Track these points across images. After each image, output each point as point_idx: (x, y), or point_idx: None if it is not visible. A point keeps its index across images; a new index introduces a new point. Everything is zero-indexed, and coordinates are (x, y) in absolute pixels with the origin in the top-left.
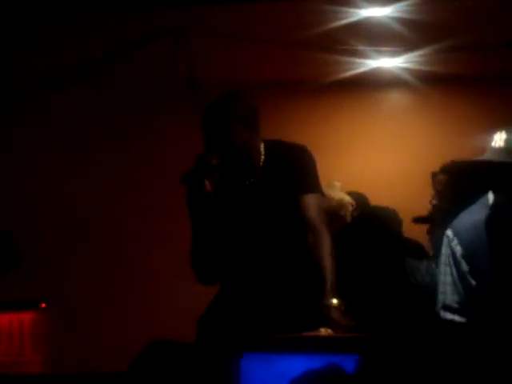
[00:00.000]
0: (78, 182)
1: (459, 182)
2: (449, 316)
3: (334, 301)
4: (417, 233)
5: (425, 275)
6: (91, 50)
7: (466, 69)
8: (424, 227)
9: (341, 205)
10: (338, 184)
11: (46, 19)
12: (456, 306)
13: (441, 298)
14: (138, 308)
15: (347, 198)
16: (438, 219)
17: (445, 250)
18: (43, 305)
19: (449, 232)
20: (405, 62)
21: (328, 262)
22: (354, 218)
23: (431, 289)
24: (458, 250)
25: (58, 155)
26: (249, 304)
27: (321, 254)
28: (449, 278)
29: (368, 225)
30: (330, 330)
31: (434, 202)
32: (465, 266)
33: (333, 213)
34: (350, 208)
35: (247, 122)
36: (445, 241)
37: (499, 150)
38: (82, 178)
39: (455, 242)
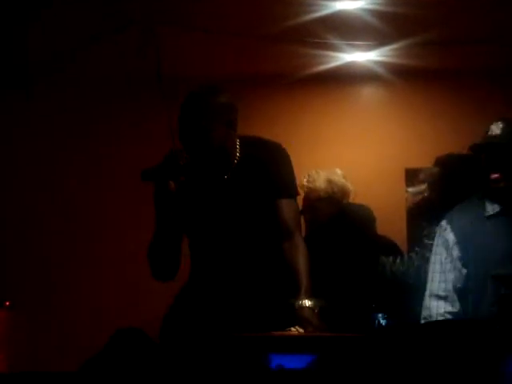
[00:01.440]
0: (44, 182)
1: (451, 176)
2: (434, 303)
3: (308, 302)
4: (390, 230)
5: (387, 271)
6: (57, 42)
7: (441, 63)
8: (397, 224)
9: (343, 193)
10: (339, 172)
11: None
12: (443, 293)
13: (428, 285)
14: (105, 306)
15: (348, 186)
16: (427, 211)
17: (436, 240)
18: (7, 303)
19: (443, 222)
20: (379, 56)
21: (302, 266)
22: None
23: (390, 285)
24: (451, 237)
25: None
26: (217, 302)
27: (295, 258)
28: (437, 267)
29: (341, 223)
30: (301, 330)
31: (425, 194)
32: (457, 253)
33: (334, 199)
34: (351, 196)
35: (225, 120)
36: (438, 231)
37: (496, 137)
38: (47, 177)
39: (448, 229)
